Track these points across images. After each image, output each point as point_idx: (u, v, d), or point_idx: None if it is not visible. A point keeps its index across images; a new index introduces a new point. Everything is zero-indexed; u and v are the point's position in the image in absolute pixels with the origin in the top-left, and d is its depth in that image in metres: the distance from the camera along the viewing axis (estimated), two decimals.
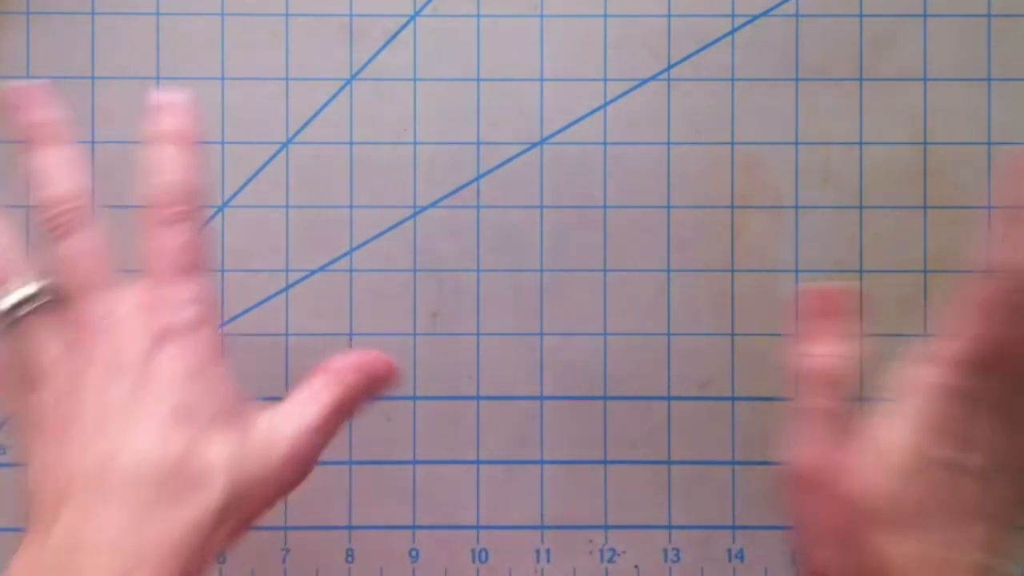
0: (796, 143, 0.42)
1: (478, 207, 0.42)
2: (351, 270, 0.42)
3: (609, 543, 0.41)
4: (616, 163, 0.42)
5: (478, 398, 0.42)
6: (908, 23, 0.42)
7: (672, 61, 0.42)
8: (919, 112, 0.42)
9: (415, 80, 0.42)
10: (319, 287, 0.42)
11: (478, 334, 0.42)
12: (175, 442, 0.28)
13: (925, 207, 0.42)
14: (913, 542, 0.28)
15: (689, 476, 0.41)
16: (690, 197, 0.42)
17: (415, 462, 0.42)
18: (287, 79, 0.42)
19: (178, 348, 0.30)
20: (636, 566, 0.41)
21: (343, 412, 0.31)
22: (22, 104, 0.32)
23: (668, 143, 0.42)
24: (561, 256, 0.42)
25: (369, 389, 0.32)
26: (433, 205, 0.42)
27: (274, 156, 0.42)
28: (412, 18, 0.42)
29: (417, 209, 0.42)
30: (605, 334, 0.42)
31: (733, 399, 0.41)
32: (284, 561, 0.41)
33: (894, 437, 0.29)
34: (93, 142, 0.42)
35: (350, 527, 0.41)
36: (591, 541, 0.41)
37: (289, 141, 0.42)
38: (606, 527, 0.41)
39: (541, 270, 0.42)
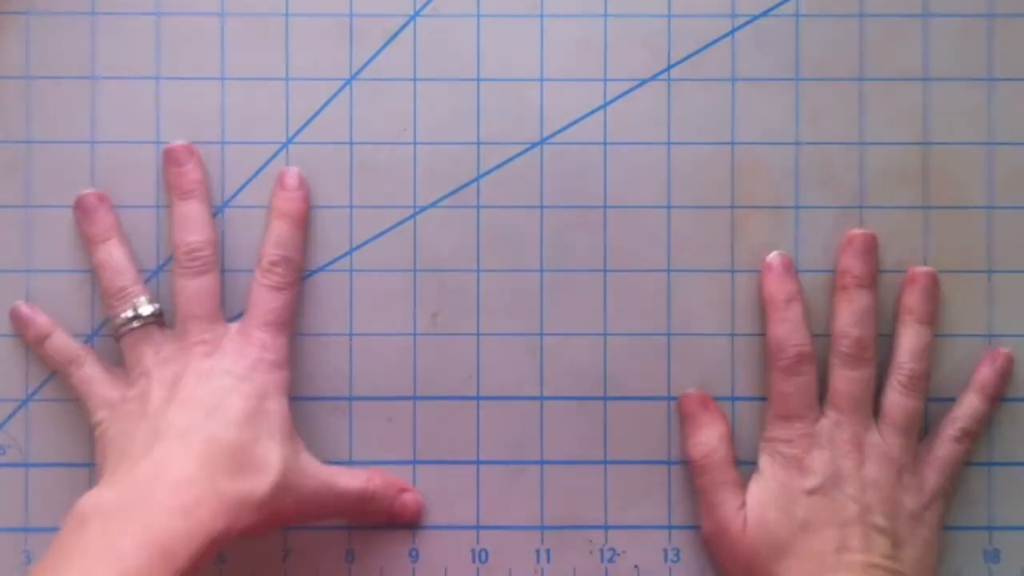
0: (796, 143, 0.42)
1: (478, 207, 0.42)
2: (351, 270, 0.42)
3: (609, 543, 0.41)
4: (616, 163, 0.42)
5: (478, 398, 0.42)
6: (908, 23, 0.42)
7: (672, 61, 0.42)
8: (919, 112, 0.42)
9: (415, 80, 0.42)
10: (319, 287, 0.42)
11: (478, 334, 0.42)
12: (247, 433, 0.36)
13: (925, 207, 0.42)
14: (805, 555, 0.38)
15: (689, 476, 0.41)
16: (690, 197, 0.42)
17: (415, 462, 0.42)
18: (287, 79, 0.42)
19: (261, 375, 0.38)
20: (636, 566, 0.41)
21: (364, 500, 0.40)
22: (180, 161, 0.41)
23: (668, 143, 0.42)
24: (561, 256, 0.42)
25: (391, 507, 0.41)
26: (433, 205, 0.42)
27: (274, 156, 0.42)
28: (412, 18, 0.42)
29: (417, 209, 0.42)
30: (605, 334, 0.42)
31: (733, 399, 0.41)
32: (284, 561, 0.41)
33: (763, 480, 0.39)
34: (93, 142, 0.42)
35: (350, 527, 0.42)
36: (591, 541, 0.41)
37: (289, 141, 0.42)
38: (606, 527, 0.41)
39: (541, 270, 0.42)
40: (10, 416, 0.41)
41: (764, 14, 0.42)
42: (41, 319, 0.41)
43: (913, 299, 0.40)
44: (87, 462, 0.41)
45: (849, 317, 0.40)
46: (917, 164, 0.42)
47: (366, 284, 0.42)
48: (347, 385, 0.41)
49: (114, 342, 0.40)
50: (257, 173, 0.42)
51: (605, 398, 0.42)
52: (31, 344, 0.41)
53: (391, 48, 0.42)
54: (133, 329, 0.39)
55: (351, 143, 0.42)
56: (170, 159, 0.41)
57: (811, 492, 0.38)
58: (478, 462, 0.42)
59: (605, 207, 0.42)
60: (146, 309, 0.39)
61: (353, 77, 0.42)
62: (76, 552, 0.33)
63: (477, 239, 0.42)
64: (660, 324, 0.42)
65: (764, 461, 0.40)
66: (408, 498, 0.41)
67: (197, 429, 0.36)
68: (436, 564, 0.41)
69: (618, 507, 0.41)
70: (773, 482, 0.39)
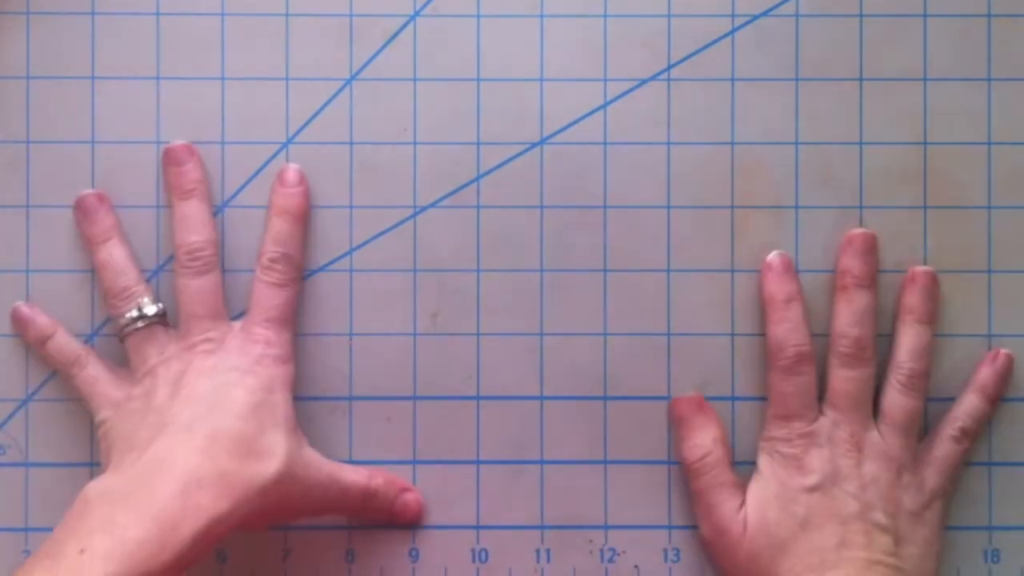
0: (796, 143, 0.42)
1: (478, 207, 0.42)
2: (351, 270, 0.42)
3: (609, 543, 0.41)
4: (616, 163, 0.42)
5: (478, 398, 0.42)
6: (908, 23, 0.42)
7: (672, 61, 0.42)
8: (919, 112, 0.42)
9: (415, 80, 0.42)
10: (319, 287, 0.42)
11: (478, 334, 0.42)
12: (252, 424, 0.37)
13: (925, 207, 0.42)
14: (806, 552, 0.37)
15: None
16: (690, 197, 0.42)
17: (415, 462, 0.42)
18: (287, 79, 0.42)
19: (265, 370, 0.38)
20: (636, 566, 0.41)
21: (367, 496, 0.40)
22: (180, 160, 0.40)
23: (668, 143, 0.42)
24: (561, 256, 0.42)
25: (392, 506, 0.41)
26: (433, 205, 0.42)
27: (274, 156, 0.42)
28: (412, 18, 0.42)
29: (417, 209, 0.42)
30: (605, 334, 0.42)
31: (733, 399, 0.41)
32: (284, 561, 0.41)
33: (762, 480, 0.39)
34: (93, 142, 0.42)
35: (350, 527, 0.42)
36: (591, 541, 0.41)
37: (289, 141, 0.42)
38: (606, 527, 0.41)
39: (541, 270, 0.42)
40: (10, 416, 0.41)
41: (764, 14, 0.42)
42: (42, 320, 0.41)
43: (913, 299, 0.40)
44: (87, 462, 0.41)
45: (849, 317, 0.40)
46: (917, 164, 0.42)
47: (366, 284, 0.42)
48: (347, 385, 0.41)
49: (117, 342, 0.40)
50: (257, 173, 0.42)
51: (605, 398, 0.42)
52: (32, 345, 0.41)
53: (391, 48, 0.42)
54: (138, 329, 0.39)
55: (351, 143, 0.42)
56: (170, 159, 0.41)
57: (811, 490, 0.38)
58: (478, 462, 0.42)
59: (605, 207, 0.42)
60: (150, 309, 0.39)
61: (353, 77, 0.42)
62: (77, 530, 0.33)
63: (477, 239, 0.42)
64: (660, 324, 0.42)
65: (763, 461, 0.40)
66: (410, 498, 0.41)
67: (202, 422, 0.36)
68: (436, 564, 0.41)
69: (618, 507, 0.41)
70: (772, 481, 0.39)
